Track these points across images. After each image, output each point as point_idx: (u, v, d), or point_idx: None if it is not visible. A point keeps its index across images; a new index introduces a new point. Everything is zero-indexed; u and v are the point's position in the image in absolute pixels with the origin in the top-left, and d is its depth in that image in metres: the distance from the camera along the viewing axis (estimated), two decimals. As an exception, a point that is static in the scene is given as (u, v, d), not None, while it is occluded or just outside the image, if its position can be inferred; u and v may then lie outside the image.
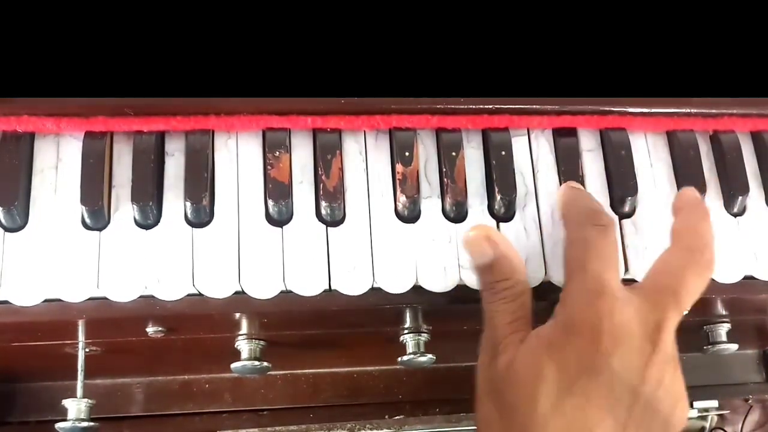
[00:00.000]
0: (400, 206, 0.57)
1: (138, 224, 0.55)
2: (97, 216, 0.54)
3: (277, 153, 0.56)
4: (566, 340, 0.49)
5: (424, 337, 0.60)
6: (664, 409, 0.49)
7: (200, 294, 0.54)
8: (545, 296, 0.55)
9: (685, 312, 0.51)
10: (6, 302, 0.53)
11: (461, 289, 0.56)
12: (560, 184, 0.59)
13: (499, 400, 0.50)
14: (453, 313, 0.59)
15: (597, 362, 0.47)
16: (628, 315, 0.49)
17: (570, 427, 0.47)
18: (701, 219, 0.55)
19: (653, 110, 0.61)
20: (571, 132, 0.61)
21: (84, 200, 0.54)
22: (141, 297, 0.53)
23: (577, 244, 0.52)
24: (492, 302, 0.52)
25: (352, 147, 0.58)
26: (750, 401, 0.86)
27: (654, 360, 0.48)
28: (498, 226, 0.58)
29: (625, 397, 0.47)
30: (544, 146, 0.61)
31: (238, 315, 0.56)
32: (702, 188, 0.60)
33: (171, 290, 0.54)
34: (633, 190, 0.59)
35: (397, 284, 0.55)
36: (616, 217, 0.58)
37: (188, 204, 0.55)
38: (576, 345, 0.48)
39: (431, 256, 0.56)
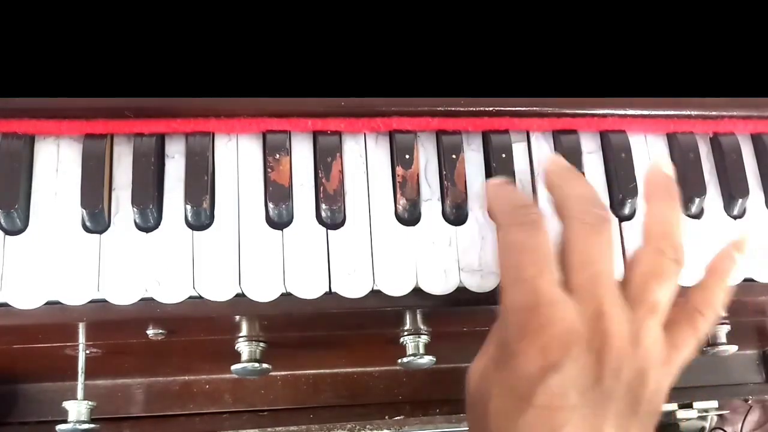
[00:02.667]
0: (400, 209, 0.57)
1: (138, 227, 0.55)
2: (98, 219, 0.54)
3: (278, 155, 0.56)
4: (511, 360, 0.47)
5: (424, 339, 0.60)
6: (634, 398, 0.47)
7: (201, 297, 0.54)
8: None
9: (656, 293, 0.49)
10: (6, 305, 0.53)
11: (461, 292, 0.56)
12: (560, 187, 0.59)
13: (471, 417, 0.50)
14: (453, 315, 0.59)
15: (545, 377, 0.45)
16: (568, 320, 0.46)
17: None
18: (567, 183, 0.53)
19: (653, 112, 0.61)
20: (572, 134, 0.61)
21: (84, 203, 0.54)
22: (141, 300, 0.53)
23: (507, 251, 0.50)
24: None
25: (352, 149, 0.58)
26: (750, 401, 0.87)
27: (604, 356, 0.46)
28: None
29: (585, 401, 0.46)
30: (544, 148, 0.61)
31: (238, 317, 0.56)
32: (702, 190, 0.60)
33: (171, 293, 0.54)
34: (633, 192, 0.59)
35: (397, 287, 0.55)
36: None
37: (188, 207, 0.55)
38: (520, 363, 0.46)
39: (431, 258, 0.56)
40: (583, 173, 0.59)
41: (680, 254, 0.51)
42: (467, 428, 0.51)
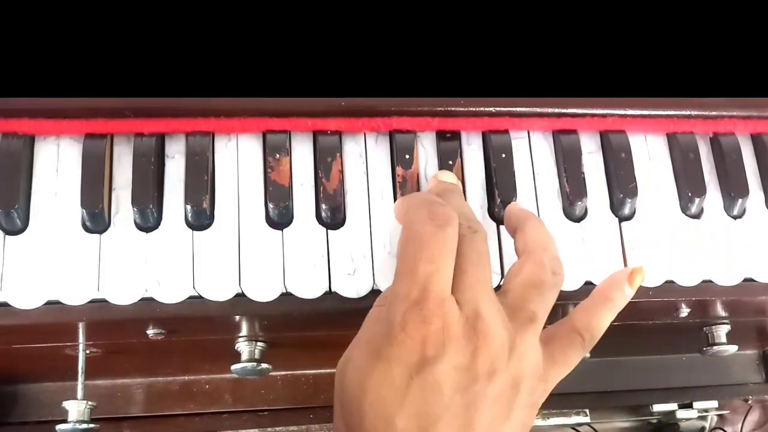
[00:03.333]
0: (400, 208, 0.57)
1: (138, 227, 0.55)
2: (98, 219, 0.54)
3: (278, 155, 0.57)
4: (390, 351, 0.46)
5: (424, 338, 0.60)
6: (504, 404, 0.47)
7: (200, 296, 0.54)
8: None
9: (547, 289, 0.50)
10: (6, 305, 0.53)
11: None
12: (560, 187, 0.59)
13: (343, 413, 0.49)
14: (453, 315, 0.59)
15: (422, 369, 0.46)
16: (451, 319, 0.46)
17: None
18: (452, 194, 0.54)
19: (653, 112, 0.61)
20: (572, 134, 0.61)
21: (84, 203, 0.54)
22: (141, 299, 0.54)
23: (409, 241, 0.49)
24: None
25: (352, 149, 0.58)
26: (750, 401, 0.87)
27: (479, 357, 0.46)
28: (498, 229, 0.58)
29: (457, 400, 0.46)
30: (544, 148, 0.61)
31: (238, 317, 0.56)
32: (702, 191, 0.60)
33: (171, 293, 0.54)
34: (633, 192, 0.59)
35: (397, 287, 0.55)
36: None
37: (188, 206, 0.55)
38: (398, 355, 0.46)
39: (431, 258, 0.56)
40: (584, 173, 0.59)
41: (559, 267, 0.51)
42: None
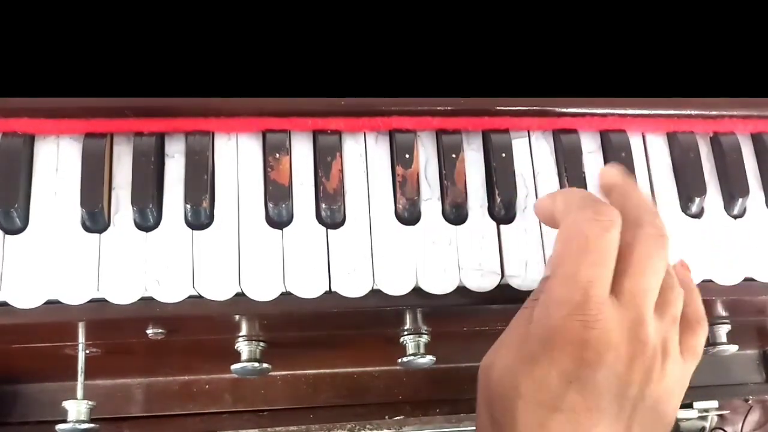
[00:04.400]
0: (400, 208, 0.57)
1: (138, 226, 0.55)
2: (97, 218, 0.54)
3: (277, 155, 0.56)
4: (545, 354, 0.46)
5: (424, 338, 0.60)
6: (655, 407, 0.48)
7: (200, 296, 0.54)
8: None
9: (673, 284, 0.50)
10: (6, 304, 0.53)
11: (461, 291, 0.56)
12: (560, 186, 0.59)
13: (489, 410, 0.49)
14: (453, 315, 0.59)
15: (581, 376, 0.45)
16: (611, 324, 0.46)
17: None
18: (634, 191, 0.52)
19: (653, 111, 0.61)
20: (572, 133, 0.60)
21: (84, 202, 0.54)
22: (141, 299, 0.53)
23: (571, 240, 0.48)
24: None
25: (352, 149, 0.58)
26: (750, 401, 0.86)
27: (636, 363, 0.46)
28: (498, 228, 0.58)
29: (613, 406, 0.46)
30: (544, 148, 0.61)
31: (238, 317, 0.56)
32: (702, 190, 0.60)
33: (171, 292, 0.54)
34: (633, 191, 0.59)
35: (397, 286, 0.55)
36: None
37: (188, 206, 0.55)
38: (556, 360, 0.46)
39: (431, 258, 0.56)
40: (584, 172, 0.59)
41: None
42: (467, 428, 0.51)
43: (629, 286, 0.48)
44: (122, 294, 0.53)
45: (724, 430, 0.86)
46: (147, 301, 0.54)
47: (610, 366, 0.46)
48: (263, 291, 0.54)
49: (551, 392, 0.46)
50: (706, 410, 0.83)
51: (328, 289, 0.55)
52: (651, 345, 0.47)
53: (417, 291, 0.56)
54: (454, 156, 0.58)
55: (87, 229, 0.54)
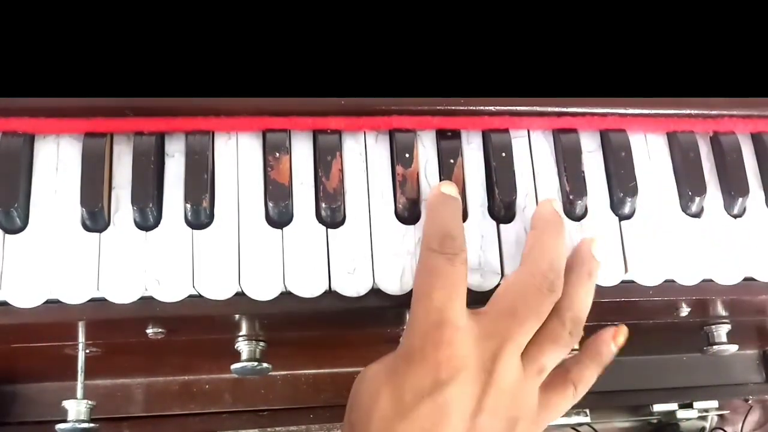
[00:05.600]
0: (400, 207, 0.57)
1: (138, 226, 0.55)
2: (97, 217, 0.54)
3: (277, 154, 0.56)
4: (405, 368, 0.50)
5: (424, 338, 0.60)
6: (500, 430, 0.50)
7: (200, 295, 0.54)
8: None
9: (569, 324, 0.53)
10: (6, 304, 0.53)
11: (461, 291, 0.56)
12: (560, 186, 0.59)
13: (350, 417, 0.52)
14: (453, 314, 0.59)
15: (433, 391, 0.48)
16: (466, 346, 0.50)
17: None
18: (550, 237, 0.55)
19: (653, 111, 0.61)
20: (572, 133, 0.60)
21: (84, 201, 0.54)
22: (141, 298, 0.53)
23: (424, 272, 0.52)
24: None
25: (352, 148, 0.58)
26: (750, 401, 0.87)
27: (489, 390, 0.49)
28: (498, 228, 0.58)
29: (459, 426, 0.49)
30: (544, 147, 0.61)
31: (238, 316, 0.56)
32: (702, 189, 0.60)
33: (171, 292, 0.54)
34: (633, 191, 0.59)
35: (397, 285, 0.55)
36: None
37: (188, 205, 0.55)
38: (413, 373, 0.49)
39: (431, 257, 0.56)
40: (584, 172, 0.59)
41: (578, 330, 0.54)
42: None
43: (496, 311, 0.52)
44: (122, 293, 0.53)
45: (724, 430, 0.86)
46: (147, 300, 0.54)
47: (461, 387, 0.49)
48: (263, 290, 0.54)
49: (403, 404, 0.49)
50: (706, 410, 0.83)
51: (328, 288, 0.55)
52: (505, 380, 0.50)
53: (417, 290, 0.56)
54: (454, 155, 0.58)
55: (87, 228, 0.54)
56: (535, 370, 0.52)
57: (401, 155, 0.58)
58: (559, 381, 0.55)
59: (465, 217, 0.58)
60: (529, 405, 0.52)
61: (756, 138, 0.63)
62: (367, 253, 0.56)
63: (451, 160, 0.58)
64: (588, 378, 0.56)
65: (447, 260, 0.52)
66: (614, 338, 0.57)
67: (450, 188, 0.56)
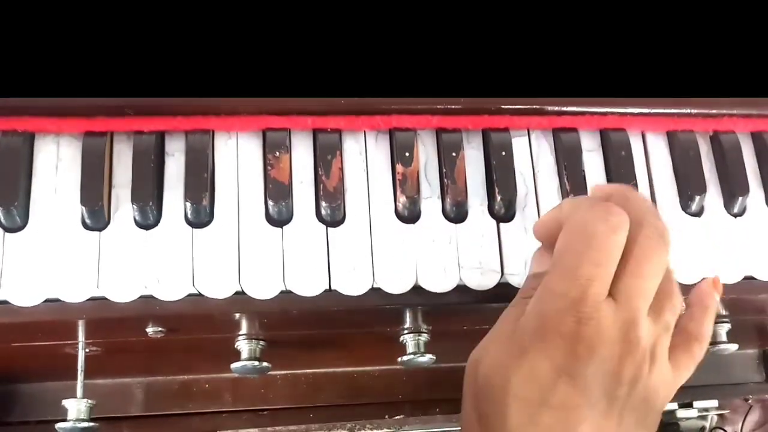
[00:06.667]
0: (400, 206, 0.57)
1: (138, 224, 0.55)
2: (97, 216, 0.54)
3: (277, 153, 0.56)
4: (535, 346, 0.46)
5: (424, 337, 0.60)
6: (641, 407, 0.48)
7: (200, 294, 0.54)
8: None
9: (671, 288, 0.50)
10: (6, 302, 0.53)
11: (461, 290, 0.56)
12: (560, 185, 0.59)
13: (476, 404, 0.49)
14: (453, 313, 0.59)
15: (571, 370, 0.45)
16: (605, 322, 0.46)
17: None
18: (634, 194, 0.52)
19: (653, 110, 0.61)
20: (572, 132, 0.61)
21: (84, 200, 0.54)
22: (141, 297, 0.53)
23: (577, 236, 0.48)
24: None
25: (352, 147, 0.58)
26: (750, 401, 0.86)
27: (627, 361, 0.46)
28: (498, 227, 0.58)
29: (602, 403, 0.46)
30: (544, 146, 0.61)
31: (238, 315, 0.56)
32: (702, 188, 0.60)
33: (171, 290, 0.54)
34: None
35: (397, 284, 0.55)
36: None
37: (188, 204, 0.55)
38: (547, 352, 0.46)
39: (431, 256, 0.56)
40: (584, 171, 0.59)
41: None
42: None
43: (625, 286, 0.47)
44: (122, 292, 0.53)
45: (724, 429, 0.86)
46: (147, 299, 0.54)
47: (601, 362, 0.46)
48: (263, 289, 0.54)
49: (540, 386, 0.46)
50: (706, 410, 0.83)
51: (327, 287, 0.55)
52: (642, 346, 0.47)
53: (417, 289, 0.56)
54: (454, 154, 0.58)
55: (87, 227, 0.54)
56: (661, 328, 0.49)
57: (401, 154, 0.58)
58: (681, 340, 0.51)
59: (465, 216, 0.58)
60: (665, 368, 0.49)
61: (756, 137, 0.63)
62: (367, 252, 0.56)
63: (453, 153, 0.58)
64: (707, 330, 0.53)
65: (610, 229, 0.47)
66: (715, 287, 0.55)
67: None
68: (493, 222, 0.58)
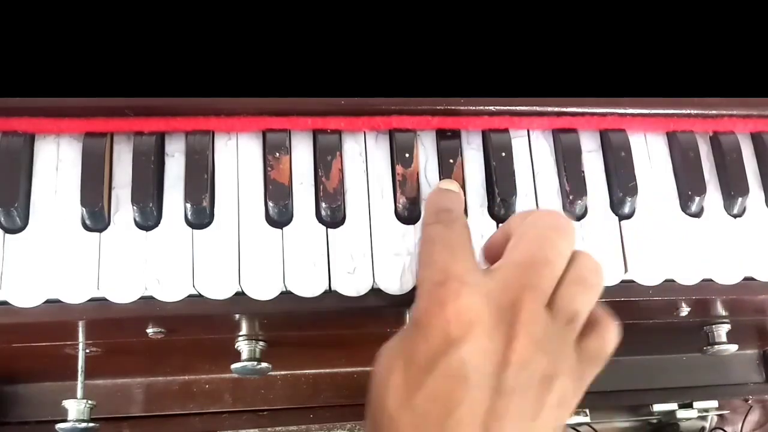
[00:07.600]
0: (400, 207, 0.57)
1: (138, 225, 0.55)
2: (97, 217, 0.54)
3: (277, 154, 0.57)
4: (414, 334, 0.47)
5: (424, 337, 0.60)
6: (533, 391, 0.45)
7: (200, 295, 0.54)
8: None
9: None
10: (6, 303, 0.53)
11: (461, 290, 0.56)
12: (560, 186, 0.59)
13: (368, 397, 0.49)
14: (453, 314, 0.59)
15: (447, 352, 0.45)
16: (477, 299, 0.45)
17: (420, 424, 0.44)
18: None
19: (653, 111, 0.61)
20: (571, 133, 0.61)
21: (84, 201, 0.54)
22: (141, 298, 0.53)
23: (424, 242, 0.51)
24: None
25: (352, 148, 0.58)
26: (750, 401, 0.87)
27: (513, 344, 0.45)
28: (498, 227, 0.58)
29: (483, 383, 0.44)
30: (544, 147, 0.61)
31: (238, 316, 0.56)
32: (702, 189, 0.60)
33: (171, 291, 0.54)
34: (633, 191, 0.59)
35: (397, 285, 0.55)
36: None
37: (188, 205, 0.55)
38: (423, 337, 0.46)
39: (431, 257, 0.56)
40: (583, 172, 0.59)
41: (601, 272, 0.49)
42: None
43: (512, 260, 0.48)
44: (122, 293, 0.53)
45: (724, 430, 0.86)
46: (147, 300, 0.54)
47: (476, 342, 0.45)
48: (263, 290, 0.54)
49: (418, 368, 0.45)
50: (706, 410, 0.83)
51: (327, 288, 0.55)
52: (529, 333, 0.45)
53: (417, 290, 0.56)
54: (453, 155, 0.58)
55: (87, 228, 0.54)
56: (565, 319, 0.47)
57: (401, 155, 0.58)
58: (591, 327, 0.49)
59: (465, 215, 0.58)
60: (566, 359, 0.47)
61: (756, 138, 0.63)
62: (367, 253, 0.56)
63: (451, 160, 0.58)
64: (580, 303, 0.48)
65: (444, 226, 0.51)
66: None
67: (450, 184, 0.56)
68: (493, 223, 0.58)
